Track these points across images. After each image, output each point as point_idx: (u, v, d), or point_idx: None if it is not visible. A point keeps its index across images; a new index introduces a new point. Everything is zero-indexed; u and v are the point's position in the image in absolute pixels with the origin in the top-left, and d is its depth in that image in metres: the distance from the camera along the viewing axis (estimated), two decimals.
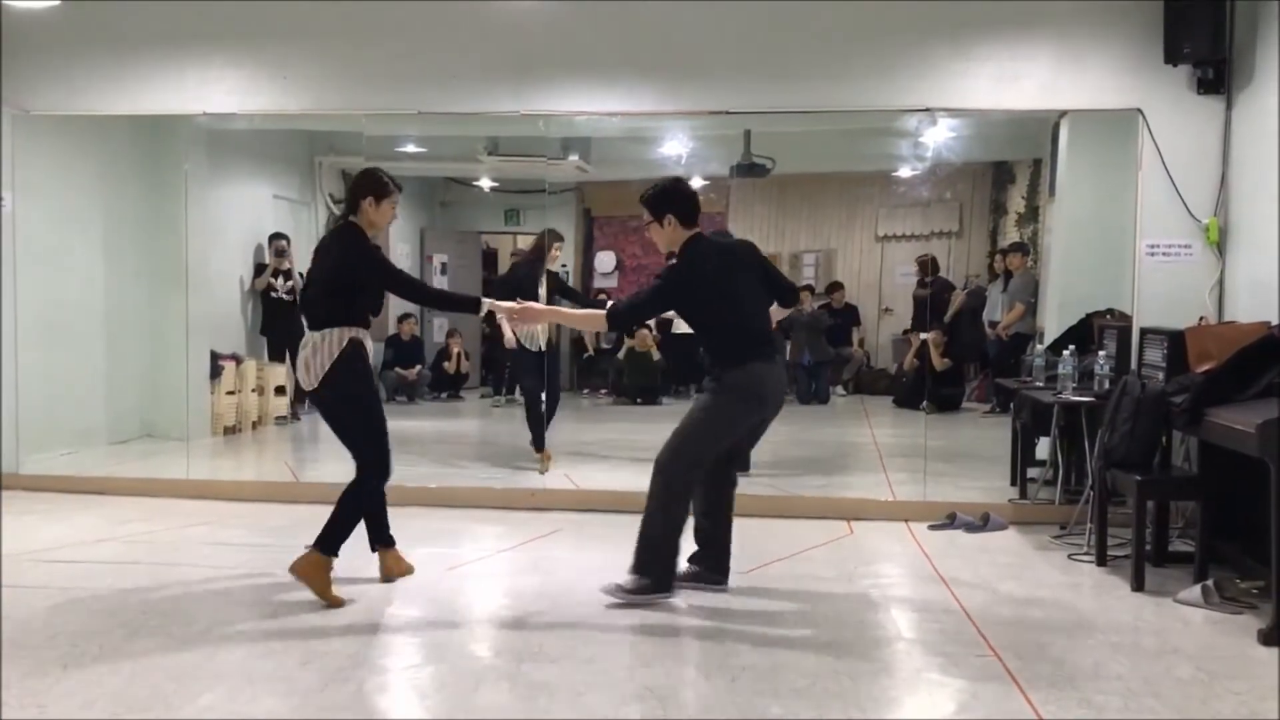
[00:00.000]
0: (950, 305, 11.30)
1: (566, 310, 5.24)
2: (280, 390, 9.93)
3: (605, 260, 13.90)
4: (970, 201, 12.59)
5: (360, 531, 4.87)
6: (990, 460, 7.49)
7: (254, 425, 9.57)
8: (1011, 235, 11.45)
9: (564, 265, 12.88)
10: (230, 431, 9.24)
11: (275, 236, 10.12)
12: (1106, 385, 5.73)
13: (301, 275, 10.26)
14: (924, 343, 10.95)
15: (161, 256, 8.46)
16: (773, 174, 9.86)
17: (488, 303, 5.07)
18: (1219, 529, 5.04)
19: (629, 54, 6.75)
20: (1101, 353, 5.99)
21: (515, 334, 7.57)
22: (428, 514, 6.34)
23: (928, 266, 11.93)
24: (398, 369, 11.81)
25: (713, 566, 4.88)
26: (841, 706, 3.51)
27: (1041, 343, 7.50)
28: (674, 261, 4.79)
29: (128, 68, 6.99)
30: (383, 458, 4.87)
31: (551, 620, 4.41)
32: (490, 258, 14.54)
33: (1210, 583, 4.72)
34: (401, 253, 12.76)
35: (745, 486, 6.98)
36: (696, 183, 12.01)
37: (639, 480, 7.22)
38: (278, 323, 10.09)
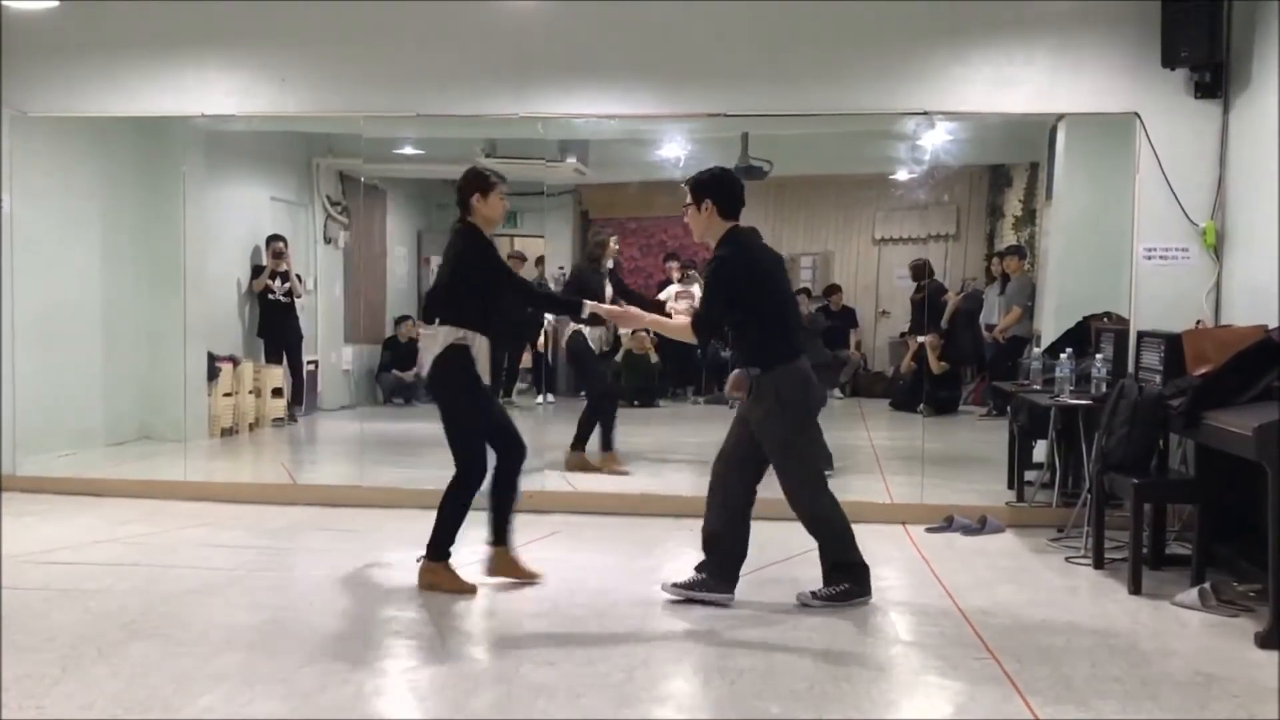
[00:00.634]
0: (946, 308, 11.32)
1: (664, 319, 5.13)
2: (277, 392, 9.93)
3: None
4: (967, 205, 12.62)
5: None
6: (987, 463, 7.50)
7: (251, 427, 9.57)
8: (1008, 238, 11.47)
9: (561, 267, 12.91)
10: (227, 433, 9.24)
11: (273, 238, 10.11)
12: (1104, 388, 5.75)
13: (299, 277, 10.28)
14: (921, 345, 10.97)
15: (159, 258, 8.47)
16: (770, 177, 9.85)
17: (591, 305, 5.09)
18: (1216, 532, 5.05)
19: (627, 56, 6.75)
20: (1099, 356, 6.01)
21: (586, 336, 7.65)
22: (426, 516, 6.29)
23: (921, 271, 11.95)
24: (395, 371, 11.80)
25: (718, 573, 4.73)
26: (840, 709, 3.51)
27: (1039, 346, 7.51)
28: (719, 254, 4.66)
29: (126, 69, 6.99)
30: (472, 462, 4.83)
31: (550, 622, 4.41)
32: None
33: (1208, 585, 4.73)
34: (399, 255, 12.79)
35: None
36: None
37: (635, 482, 7.30)
38: (275, 324, 10.10)
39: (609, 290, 7.66)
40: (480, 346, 4.77)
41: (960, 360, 11.05)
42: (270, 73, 6.93)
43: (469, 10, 6.72)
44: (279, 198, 10.58)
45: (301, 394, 10.38)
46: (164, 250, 8.41)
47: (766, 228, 13.40)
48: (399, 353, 11.91)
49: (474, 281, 4.80)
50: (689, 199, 4.73)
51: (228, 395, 9.28)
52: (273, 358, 10.07)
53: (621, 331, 12.28)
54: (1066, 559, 5.51)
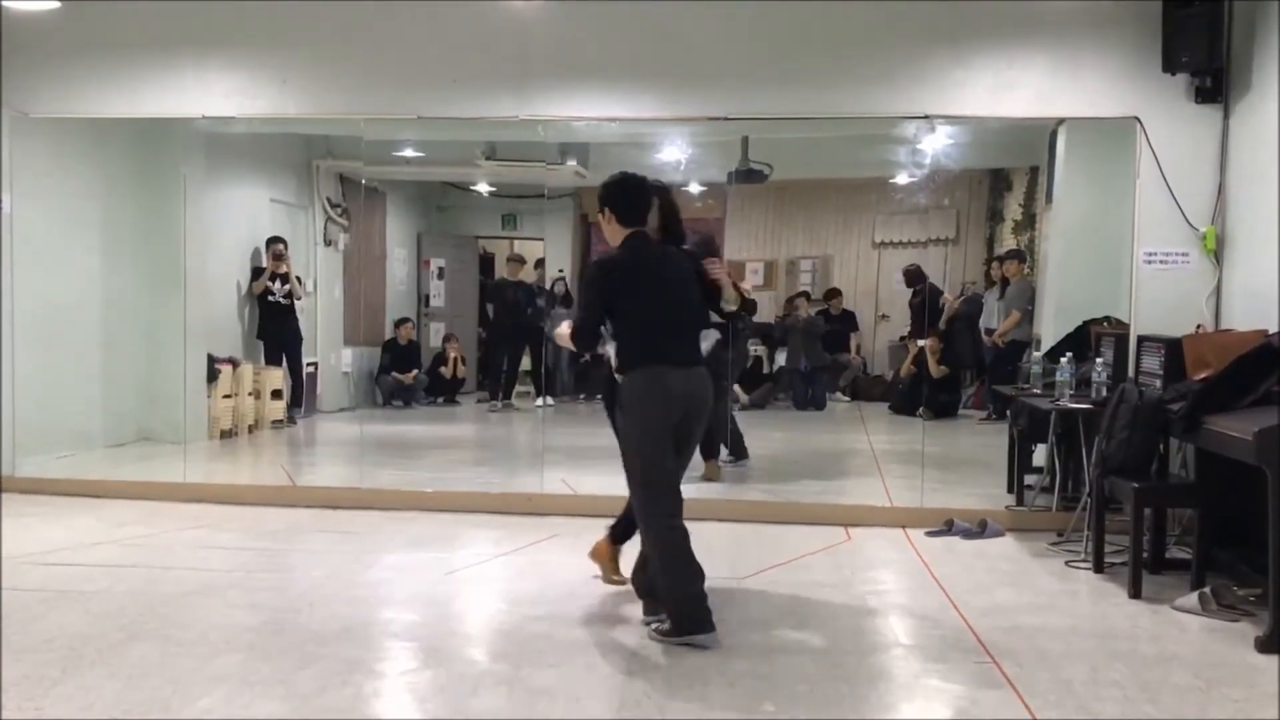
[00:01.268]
0: (945, 311, 11.34)
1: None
2: (277, 394, 9.93)
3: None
4: (967, 208, 12.64)
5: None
6: (987, 467, 7.50)
7: (250, 429, 9.56)
8: (1008, 242, 11.49)
9: (561, 270, 12.92)
10: (227, 435, 9.23)
11: (272, 240, 10.11)
12: (1104, 392, 5.74)
13: (299, 279, 10.27)
14: (921, 349, 10.98)
15: (159, 259, 8.47)
16: (770, 180, 9.90)
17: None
18: (1216, 536, 5.04)
19: (628, 59, 6.75)
20: (1099, 360, 6.00)
21: None
22: (425, 518, 6.35)
23: (914, 276, 11.99)
24: (394, 374, 11.81)
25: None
26: (840, 712, 3.51)
27: (1038, 350, 7.51)
28: (590, 262, 4.63)
29: (127, 71, 6.99)
30: None
31: (549, 625, 4.40)
32: (487, 262, 14.56)
33: (1208, 590, 4.73)
34: (399, 257, 12.80)
35: (742, 492, 7.03)
36: (694, 188, 12.06)
37: None
38: (274, 326, 10.10)
39: None
40: None
41: (960, 364, 11.06)
42: (270, 75, 6.92)
43: (470, 12, 6.72)
44: (279, 200, 10.58)
45: (301, 396, 10.38)
46: (164, 252, 8.41)
47: (766, 231, 13.50)
48: (398, 355, 11.93)
49: None
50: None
51: (227, 397, 9.27)
52: (272, 360, 10.07)
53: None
54: (1066, 563, 5.50)
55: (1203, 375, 5.08)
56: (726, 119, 6.79)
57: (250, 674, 3.78)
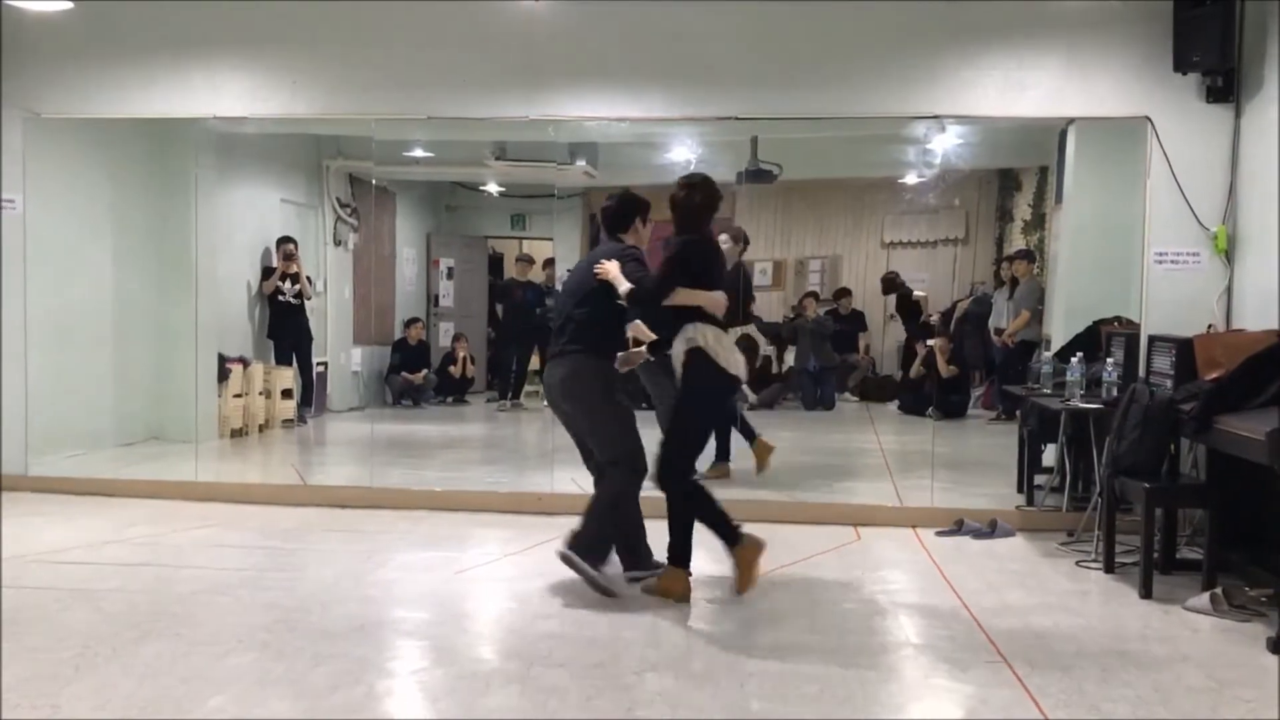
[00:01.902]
0: (955, 311, 11.35)
1: None
2: (287, 393, 9.95)
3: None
4: (976, 208, 12.61)
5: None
6: (997, 467, 7.49)
7: (261, 428, 9.59)
8: (1018, 242, 11.47)
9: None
10: (237, 434, 9.26)
11: (283, 240, 10.14)
12: (1114, 393, 5.73)
13: (309, 279, 10.30)
14: (930, 350, 10.97)
15: (170, 259, 8.50)
16: (779, 180, 9.88)
17: None
18: (1227, 537, 5.03)
19: (638, 60, 6.76)
20: (1109, 360, 5.99)
21: None
22: (435, 518, 6.36)
23: (888, 285, 12.01)
24: (404, 373, 11.83)
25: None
26: (850, 711, 3.51)
27: (1048, 350, 7.50)
28: None
29: (138, 71, 7.01)
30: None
31: (560, 624, 4.41)
32: (496, 262, 14.57)
33: (1219, 590, 4.72)
34: (408, 257, 12.82)
35: (752, 492, 7.02)
36: None
37: (645, 484, 7.28)
38: (285, 326, 10.12)
39: None
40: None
41: (969, 364, 11.04)
42: (281, 75, 6.94)
43: (480, 13, 6.74)
44: (289, 200, 10.60)
45: (311, 395, 10.40)
46: (175, 251, 8.44)
47: (775, 230, 13.49)
48: (408, 355, 11.94)
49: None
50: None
51: (238, 396, 9.30)
52: (283, 359, 10.09)
53: (630, 334, 12.30)
54: (1077, 563, 5.50)
55: (1214, 375, 5.07)
56: (736, 119, 6.79)
57: (262, 673, 3.80)
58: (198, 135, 8.20)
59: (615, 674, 3.82)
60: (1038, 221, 11.06)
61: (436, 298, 13.36)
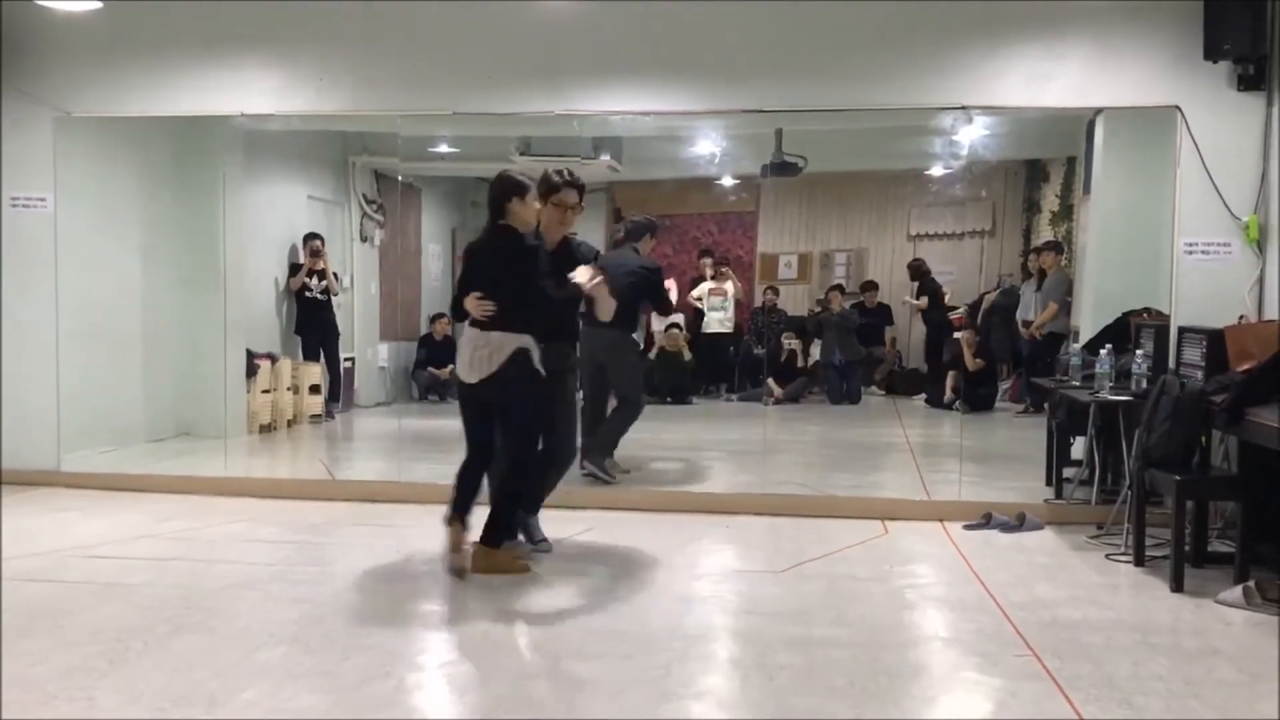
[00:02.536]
0: (982, 304, 11.29)
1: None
2: (315, 389, 10.02)
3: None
4: (1003, 200, 12.54)
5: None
6: (1025, 460, 7.45)
7: (289, 424, 9.66)
8: (1045, 234, 11.39)
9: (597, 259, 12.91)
10: (266, 430, 9.33)
11: (310, 236, 10.20)
12: (1144, 384, 5.69)
13: (336, 275, 10.35)
14: (957, 342, 10.93)
15: (198, 256, 8.56)
16: (804, 173, 9.85)
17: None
18: (1259, 529, 4.98)
19: (662, 53, 6.75)
20: (1139, 352, 5.94)
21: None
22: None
23: (914, 271, 11.96)
24: (430, 368, 11.87)
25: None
26: (879, 705, 3.50)
27: (1076, 341, 7.45)
28: None
29: (166, 70, 7.06)
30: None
31: (588, 617, 4.43)
32: None
33: (1251, 583, 4.67)
34: (433, 253, 12.86)
35: (778, 486, 7.01)
36: (727, 181, 12.06)
37: (669, 479, 7.32)
38: (312, 322, 10.19)
39: None
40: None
41: (996, 357, 10.99)
42: (308, 72, 6.98)
43: (504, 9, 6.75)
44: (316, 196, 10.66)
45: (338, 391, 10.46)
46: (203, 249, 8.50)
47: (800, 224, 13.47)
48: (434, 350, 11.98)
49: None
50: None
51: (266, 392, 9.37)
52: (310, 355, 10.16)
53: (654, 329, 12.33)
54: (1106, 556, 5.46)
55: (1246, 367, 5.02)
56: (761, 111, 6.77)
57: (293, 666, 3.83)
58: (225, 133, 8.25)
59: (644, 666, 3.82)
60: (1065, 213, 10.98)
61: None
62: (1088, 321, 7.31)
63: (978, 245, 12.62)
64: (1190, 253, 6.18)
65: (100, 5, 6.78)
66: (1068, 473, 6.71)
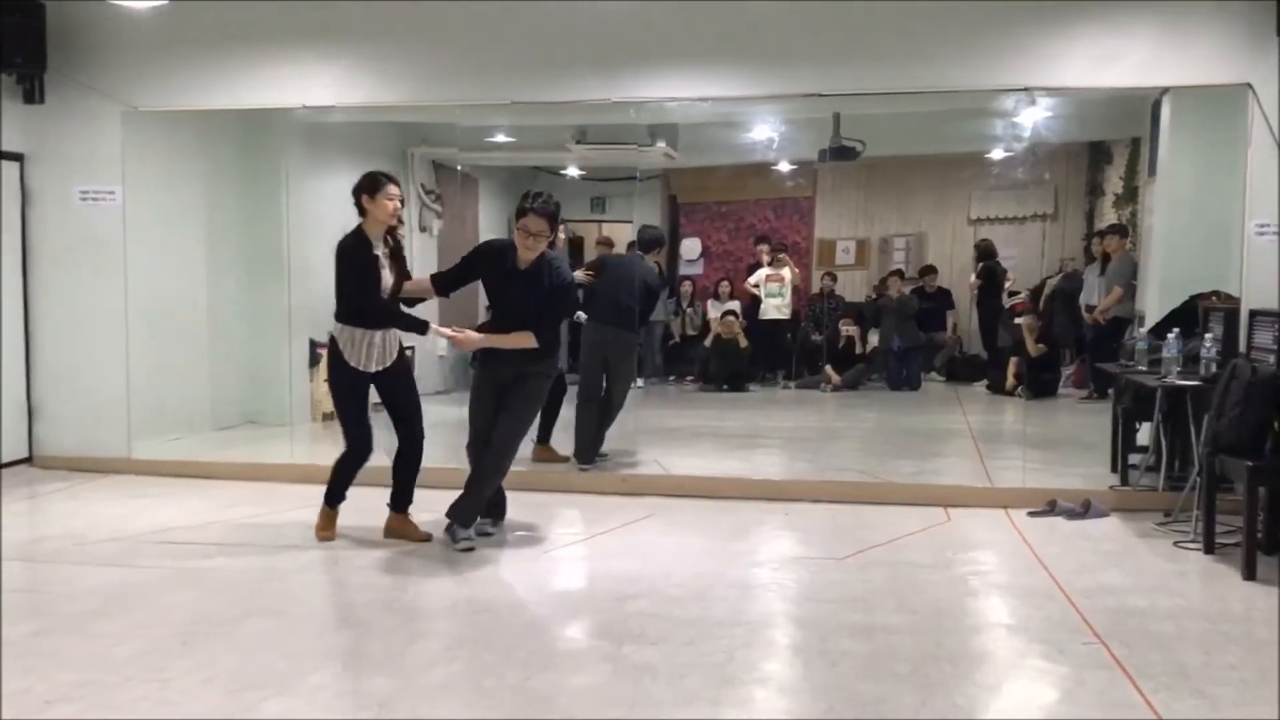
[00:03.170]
0: (1044, 289, 11.15)
1: (501, 336, 5.48)
2: None
3: (691, 247, 13.91)
4: (1065, 183, 12.34)
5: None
6: (1089, 447, 7.34)
7: None
8: (1109, 217, 11.19)
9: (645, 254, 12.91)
10: (329, 417, 9.42)
11: None
12: (1213, 369, 5.58)
13: None
14: (1018, 328, 10.79)
15: (261, 247, 8.69)
16: (862, 157, 9.77)
17: (434, 329, 5.69)
18: None
19: (718, 38, 6.72)
20: (1208, 335, 5.83)
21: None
22: (520, 498, 6.39)
23: (989, 251, 11.80)
24: None
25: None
26: (943, 693, 3.48)
27: (1141, 326, 7.32)
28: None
29: (230, 64, 7.17)
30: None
31: (649, 603, 4.44)
32: (576, 245, 14.62)
33: None
34: None
35: (838, 473, 6.97)
36: (784, 167, 11.99)
37: (727, 466, 7.32)
38: None
39: None
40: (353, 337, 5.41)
41: (1059, 342, 10.83)
42: (368, 64, 7.05)
43: None
44: None
45: None
46: (266, 239, 8.62)
47: (858, 209, 13.36)
48: None
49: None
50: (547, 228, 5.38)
51: (328, 380, 9.46)
52: None
53: (710, 315, 12.30)
54: (1175, 544, 5.37)
55: None
56: (820, 95, 6.72)
57: (360, 649, 3.89)
58: (287, 125, 8.35)
59: (705, 652, 3.83)
60: (1130, 195, 10.78)
61: None
62: (1153, 305, 7.18)
63: (1040, 229, 12.43)
64: (1261, 234, 6.05)
65: (166, 2, 6.89)
66: (1134, 459, 6.60)
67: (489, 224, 12.82)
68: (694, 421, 9.78)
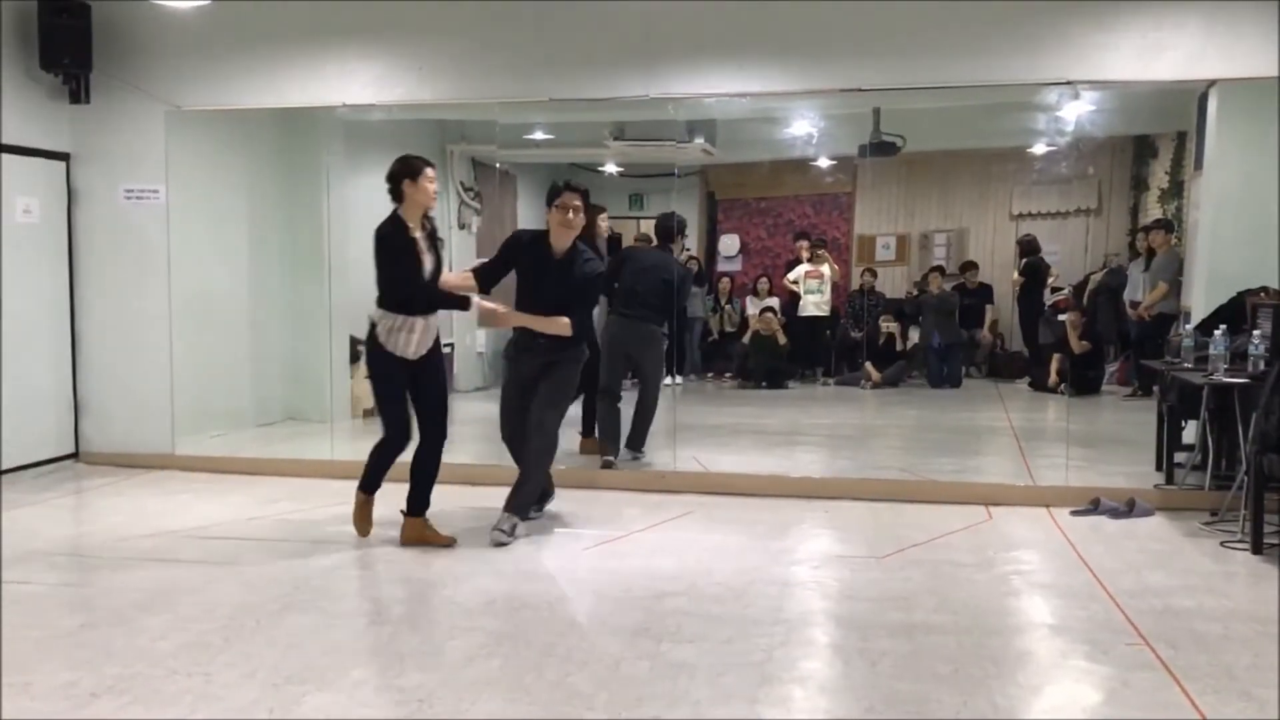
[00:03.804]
0: (1087, 285, 11.01)
1: (538, 318, 5.46)
2: None
3: (729, 243, 13.87)
4: (1109, 177, 12.17)
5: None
6: (1134, 445, 7.25)
7: None
8: (1154, 212, 11.04)
9: (688, 250, 12.91)
10: (369, 414, 9.49)
11: None
12: (1261, 366, 5.49)
13: None
14: (1062, 324, 10.67)
15: (303, 245, 8.78)
16: (903, 152, 9.69)
17: (478, 300, 5.53)
18: None
19: (757, 33, 6.69)
20: (1256, 332, 5.74)
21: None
22: (559, 494, 6.40)
23: (1026, 246, 11.66)
24: None
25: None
26: (984, 693, 3.45)
27: (1187, 323, 7.22)
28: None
29: (272, 63, 7.24)
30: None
31: (687, 601, 4.43)
32: (614, 243, 14.61)
33: None
34: None
35: (879, 471, 6.93)
36: (823, 162, 11.92)
37: (767, 463, 7.29)
38: None
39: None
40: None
41: (1103, 339, 10.70)
42: (408, 63, 7.09)
43: None
44: None
45: None
46: (307, 237, 8.71)
47: (898, 204, 13.27)
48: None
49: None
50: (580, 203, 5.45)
51: (368, 377, 9.52)
52: None
53: (749, 312, 12.26)
54: (1222, 544, 5.29)
55: None
56: (860, 91, 6.68)
57: (400, 645, 3.91)
58: (328, 124, 8.42)
59: (744, 650, 3.82)
60: (1175, 190, 10.63)
61: None
62: (1199, 302, 7.07)
63: (1083, 224, 12.27)
64: None
65: (208, 2, 6.97)
66: (1179, 457, 6.51)
67: (527, 220, 12.83)
68: (733, 419, 9.76)
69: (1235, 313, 6.37)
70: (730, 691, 3.46)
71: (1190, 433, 6.56)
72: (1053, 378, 10.61)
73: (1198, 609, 4.30)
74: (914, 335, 12.02)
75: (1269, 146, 6.44)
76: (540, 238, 5.52)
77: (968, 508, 6.04)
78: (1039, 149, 10.54)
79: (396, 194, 5.31)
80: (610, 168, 13.14)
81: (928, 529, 5.56)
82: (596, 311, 6.71)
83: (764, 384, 11.61)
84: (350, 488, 5.91)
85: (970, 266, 12.39)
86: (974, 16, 6.41)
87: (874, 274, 12.70)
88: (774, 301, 12.20)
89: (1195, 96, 7.35)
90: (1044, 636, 4.07)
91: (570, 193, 5.41)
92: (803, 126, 9.62)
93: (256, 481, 6.95)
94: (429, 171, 5.31)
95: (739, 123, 9.87)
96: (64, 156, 7.47)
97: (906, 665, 3.68)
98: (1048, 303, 11.50)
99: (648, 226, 13.56)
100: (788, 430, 9.08)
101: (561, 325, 5.38)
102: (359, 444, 8.51)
